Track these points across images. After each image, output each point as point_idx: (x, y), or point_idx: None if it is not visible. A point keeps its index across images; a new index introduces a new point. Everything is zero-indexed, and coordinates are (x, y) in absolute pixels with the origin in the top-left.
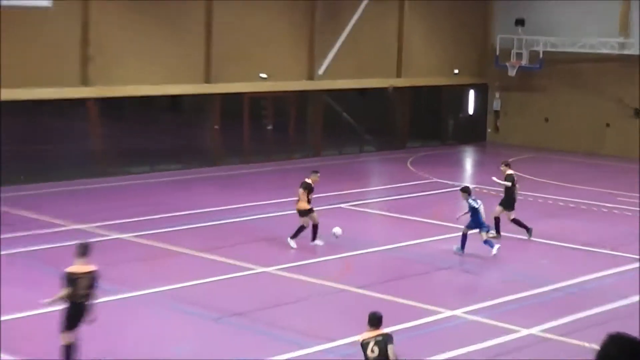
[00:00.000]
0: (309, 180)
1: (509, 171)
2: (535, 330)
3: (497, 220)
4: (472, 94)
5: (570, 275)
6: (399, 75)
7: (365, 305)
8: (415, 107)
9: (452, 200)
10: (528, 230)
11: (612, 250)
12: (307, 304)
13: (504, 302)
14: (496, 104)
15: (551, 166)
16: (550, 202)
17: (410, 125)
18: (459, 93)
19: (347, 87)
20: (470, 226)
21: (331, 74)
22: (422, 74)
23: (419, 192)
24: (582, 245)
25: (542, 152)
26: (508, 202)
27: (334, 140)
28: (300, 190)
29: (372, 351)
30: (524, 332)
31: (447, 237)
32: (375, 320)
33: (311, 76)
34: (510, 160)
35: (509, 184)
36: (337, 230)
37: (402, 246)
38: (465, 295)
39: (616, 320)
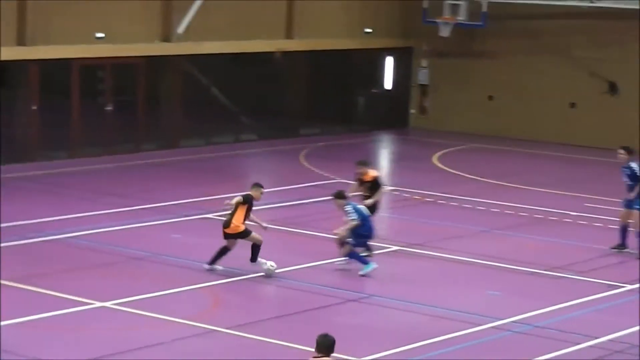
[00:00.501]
0: (251, 193)
1: (372, 172)
2: None
3: None
4: (389, 61)
5: (519, 309)
6: (289, 35)
7: (236, 352)
8: (313, 80)
9: None
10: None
11: (576, 274)
12: (159, 353)
13: (429, 345)
14: (423, 76)
15: (496, 161)
16: (495, 210)
17: (306, 104)
18: (373, 60)
19: (218, 52)
20: (356, 242)
21: (195, 34)
22: (321, 34)
23: (316, 196)
24: (536, 269)
25: (484, 142)
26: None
27: (199, 125)
28: (239, 204)
29: None
30: None
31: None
32: (324, 347)
33: (167, 37)
34: (443, 152)
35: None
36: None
37: (292, 271)
38: (377, 338)
39: None
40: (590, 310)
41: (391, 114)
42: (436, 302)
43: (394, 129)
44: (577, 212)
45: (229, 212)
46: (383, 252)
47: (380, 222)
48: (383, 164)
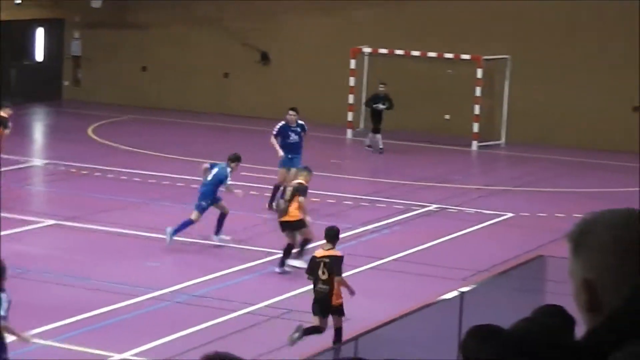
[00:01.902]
0: (301, 180)
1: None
2: (130, 355)
3: None
4: (40, 32)
5: (178, 279)
6: None
7: None
8: None
9: (34, 184)
10: None
11: (237, 243)
12: None
13: (90, 318)
14: (75, 47)
15: (153, 132)
16: (152, 181)
17: None
18: (23, 31)
19: None
20: None
21: None
22: None
23: None
24: (196, 239)
25: (140, 113)
26: None
27: None
28: (301, 198)
29: (323, 273)
30: (116, 357)
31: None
32: (331, 236)
33: None
34: (98, 124)
35: None
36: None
37: None
38: (37, 313)
39: (237, 333)
40: (249, 277)
41: (44, 86)
42: (94, 276)
43: (48, 101)
44: (233, 181)
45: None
46: (39, 227)
47: (37, 195)
48: (37, 137)
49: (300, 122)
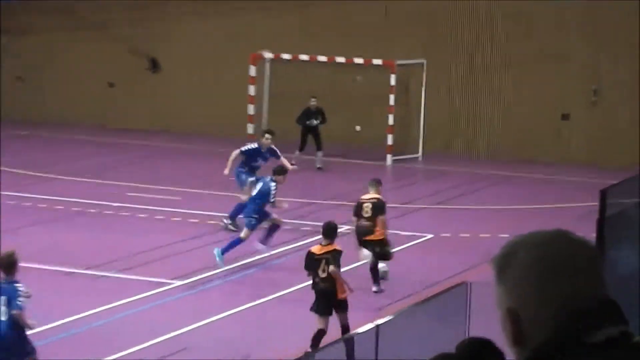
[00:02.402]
0: (377, 195)
1: None
2: None
3: None
4: None
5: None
6: None
7: None
8: None
9: None
10: None
11: (119, 272)
12: None
13: None
14: None
15: (33, 149)
16: (28, 204)
17: None
18: None
19: None
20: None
21: None
22: None
23: None
24: (73, 268)
25: (12, 127)
26: None
27: None
28: (382, 217)
29: (324, 270)
30: None
31: None
32: (329, 232)
33: None
34: None
35: None
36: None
37: None
38: None
39: None
40: (137, 310)
41: None
42: None
43: None
44: (119, 202)
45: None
46: None
47: None
48: None
49: (273, 147)
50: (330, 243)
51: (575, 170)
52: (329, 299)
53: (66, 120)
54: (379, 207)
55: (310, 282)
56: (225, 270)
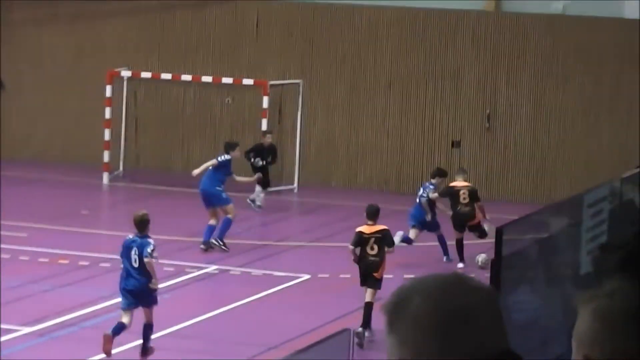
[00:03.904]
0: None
1: None
2: None
3: None
4: None
5: None
6: None
7: None
8: None
9: None
10: None
11: None
12: None
13: None
14: None
15: None
16: None
17: None
18: None
19: None
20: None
21: None
22: None
23: None
24: None
25: None
26: None
27: None
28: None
29: (372, 248)
30: None
31: None
32: (372, 214)
33: None
34: None
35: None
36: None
37: None
38: None
39: None
40: None
41: None
42: None
43: None
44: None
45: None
46: None
47: None
48: None
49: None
50: (374, 223)
51: None
52: (372, 272)
53: None
54: (474, 193)
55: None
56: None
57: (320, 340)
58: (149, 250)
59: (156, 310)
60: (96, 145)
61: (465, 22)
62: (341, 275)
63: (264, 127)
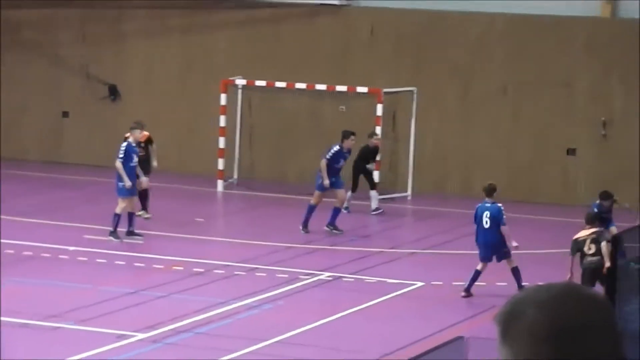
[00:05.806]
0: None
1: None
2: None
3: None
4: None
5: None
6: None
7: None
8: None
9: None
10: None
11: (77, 323)
12: None
13: None
14: None
15: None
16: None
17: None
18: None
19: None
20: None
21: None
22: None
23: None
24: (25, 319)
25: None
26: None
27: None
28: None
29: (589, 249)
30: None
31: None
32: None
33: None
34: None
35: None
36: None
37: None
38: None
39: None
40: None
41: None
42: None
43: None
44: (75, 246)
45: None
46: None
47: None
48: None
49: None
50: (591, 227)
51: (580, 211)
52: (598, 271)
53: (7, 155)
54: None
55: None
56: (196, 320)
57: (433, 348)
58: (504, 220)
59: (267, 317)
60: (210, 154)
61: (580, 27)
62: (454, 283)
63: (378, 134)
